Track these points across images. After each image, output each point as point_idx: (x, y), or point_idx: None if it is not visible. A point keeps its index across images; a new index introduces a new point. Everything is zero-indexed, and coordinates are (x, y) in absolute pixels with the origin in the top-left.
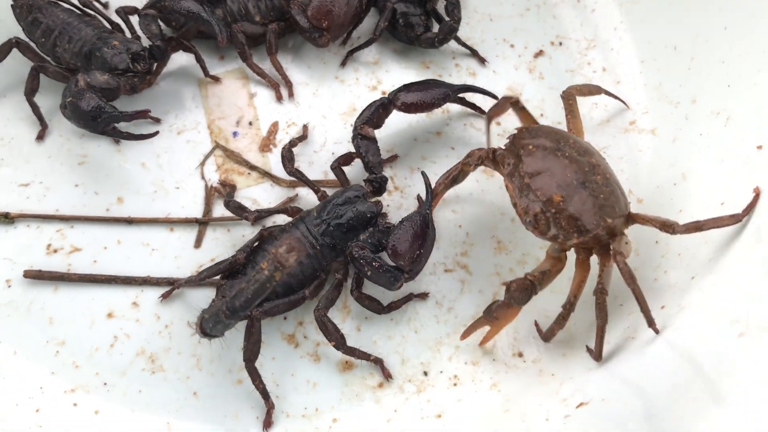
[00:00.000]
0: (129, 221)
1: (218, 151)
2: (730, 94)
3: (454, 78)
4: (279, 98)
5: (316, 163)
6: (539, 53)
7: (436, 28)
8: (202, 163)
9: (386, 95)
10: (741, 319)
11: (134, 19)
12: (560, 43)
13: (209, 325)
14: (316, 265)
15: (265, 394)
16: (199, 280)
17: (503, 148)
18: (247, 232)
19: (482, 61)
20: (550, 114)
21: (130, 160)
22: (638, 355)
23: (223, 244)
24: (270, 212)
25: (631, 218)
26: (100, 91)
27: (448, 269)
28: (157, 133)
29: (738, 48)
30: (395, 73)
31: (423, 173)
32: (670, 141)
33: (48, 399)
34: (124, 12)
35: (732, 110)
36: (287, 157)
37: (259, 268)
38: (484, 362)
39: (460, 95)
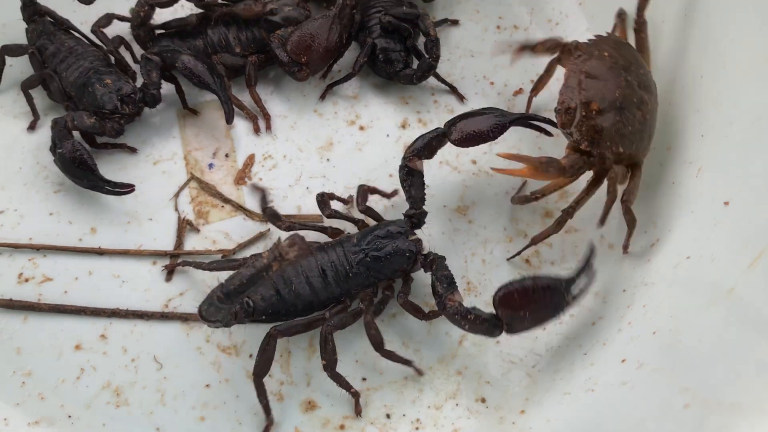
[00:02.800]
0: (100, 252)
1: (193, 183)
2: (703, 144)
3: (432, 115)
4: (257, 131)
5: (290, 197)
6: (518, 91)
7: (416, 64)
8: (177, 195)
9: (442, 126)
10: (690, 388)
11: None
12: None
13: (204, 308)
14: (344, 289)
15: (267, 410)
16: (208, 269)
17: (587, 41)
18: None
19: (461, 98)
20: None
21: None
22: (598, 407)
23: (193, 277)
24: (305, 227)
25: (637, 166)
26: (85, 134)
27: None
28: (132, 189)
29: (712, 97)
30: (374, 108)
31: (590, 243)
32: (643, 187)
33: (11, 431)
34: (120, 41)
35: (704, 161)
36: (323, 202)
37: (258, 255)
38: (446, 407)
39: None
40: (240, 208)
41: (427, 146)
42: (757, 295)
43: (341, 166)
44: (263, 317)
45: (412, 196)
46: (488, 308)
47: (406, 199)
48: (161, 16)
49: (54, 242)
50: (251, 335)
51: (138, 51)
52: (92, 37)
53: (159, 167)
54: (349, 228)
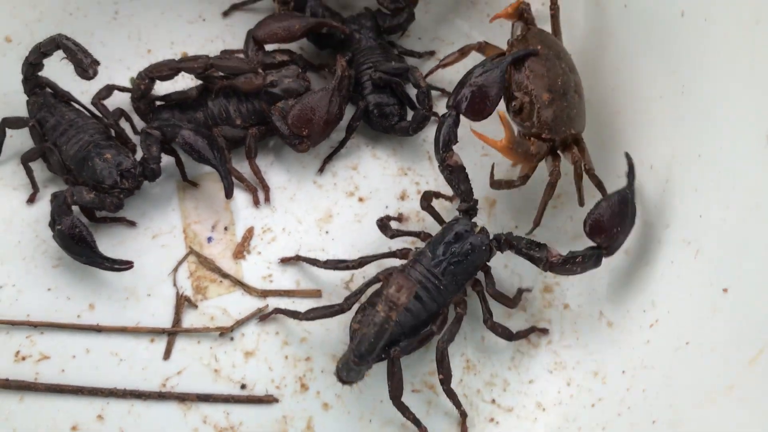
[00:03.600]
0: (99, 329)
1: (192, 257)
2: (701, 225)
3: (432, 186)
4: (256, 203)
5: (288, 271)
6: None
7: (410, 115)
8: (175, 270)
9: (447, 110)
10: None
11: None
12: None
13: (344, 374)
14: (440, 301)
15: (417, 422)
16: (305, 318)
17: (516, 40)
18: (215, 344)
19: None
20: (526, 222)
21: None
22: None
23: (192, 355)
24: (376, 257)
25: (581, 140)
26: (85, 208)
27: (415, 389)
28: (131, 265)
29: (710, 178)
30: (373, 179)
31: (626, 154)
32: (642, 264)
33: None
34: (120, 113)
35: (702, 243)
36: (383, 226)
37: (375, 311)
38: None
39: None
40: (238, 283)
41: (450, 134)
42: (759, 397)
43: (340, 238)
44: (382, 355)
45: (461, 190)
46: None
47: (456, 195)
48: (162, 87)
49: (52, 319)
50: (249, 416)
51: (138, 122)
52: (93, 108)
53: (158, 241)
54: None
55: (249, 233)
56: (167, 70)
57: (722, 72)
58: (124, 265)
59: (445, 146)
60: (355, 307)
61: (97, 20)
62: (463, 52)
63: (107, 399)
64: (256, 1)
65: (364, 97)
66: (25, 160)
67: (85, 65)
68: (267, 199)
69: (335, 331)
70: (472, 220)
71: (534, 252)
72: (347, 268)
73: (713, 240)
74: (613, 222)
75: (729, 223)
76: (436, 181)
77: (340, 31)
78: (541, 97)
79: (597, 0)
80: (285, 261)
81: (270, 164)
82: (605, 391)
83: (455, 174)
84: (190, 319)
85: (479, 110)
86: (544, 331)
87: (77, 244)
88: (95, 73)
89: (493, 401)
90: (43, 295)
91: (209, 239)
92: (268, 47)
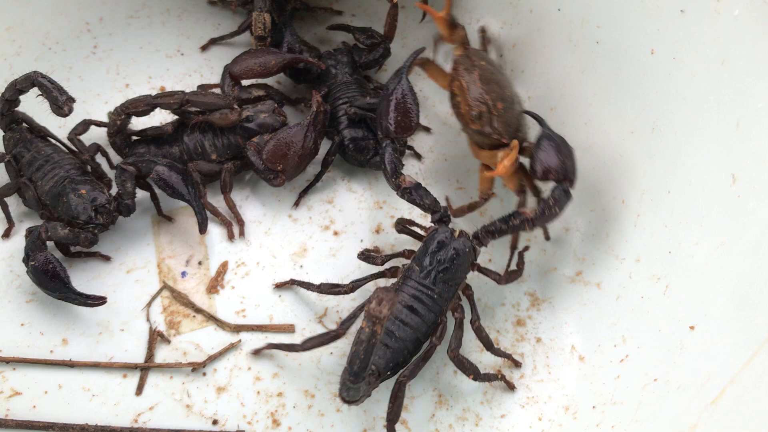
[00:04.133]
0: (71, 365)
1: (165, 292)
2: (670, 261)
3: (401, 202)
4: (231, 237)
5: (262, 306)
6: (489, 196)
7: None
8: (149, 305)
9: (381, 141)
10: None
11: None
12: None
13: (344, 394)
14: (437, 311)
15: None
16: (302, 349)
17: (462, 58)
18: (188, 379)
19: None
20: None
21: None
22: None
23: (164, 390)
24: (367, 279)
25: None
26: (59, 244)
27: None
28: (104, 301)
29: (679, 214)
30: (348, 213)
31: (528, 112)
32: (613, 298)
33: None
34: (96, 148)
35: (671, 279)
36: (369, 257)
37: (360, 328)
38: None
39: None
40: (211, 318)
41: (394, 161)
42: None
43: (314, 272)
44: (389, 372)
45: (428, 204)
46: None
47: (424, 211)
48: (138, 122)
49: (25, 354)
50: None
51: (114, 157)
52: (69, 143)
53: (132, 275)
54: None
55: (223, 268)
56: (143, 105)
57: (691, 111)
58: (98, 301)
59: (394, 174)
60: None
61: (76, 54)
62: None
63: None
64: (235, 35)
65: (339, 132)
66: (1, 195)
67: (61, 102)
68: (242, 234)
69: (307, 367)
70: (449, 226)
71: (513, 222)
72: (339, 292)
73: (682, 276)
74: (555, 157)
75: (697, 260)
76: (411, 214)
77: (316, 66)
78: (497, 106)
79: (569, 36)
80: (279, 285)
81: (245, 198)
82: (576, 427)
83: (415, 193)
84: (162, 354)
85: (407, 125)
86: (517, 364)
87: (51, 280)
88: (70, 110)
89: None
90: (16, 330)
91: (183, 274)
92: (245, 82)
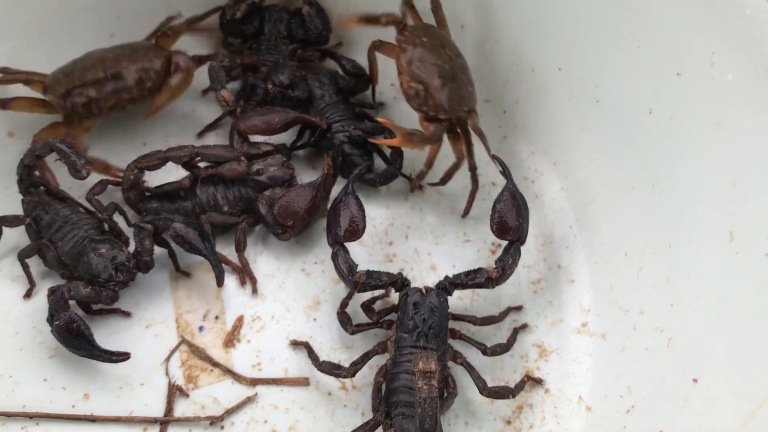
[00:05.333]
0: (92, 419)
1: (183, 347)
2: (673, 313)
3: (416, 272)
4: (243, 284)
5: (277, 359)
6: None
7: None
8: (167, 359)
9: (332, 247)
10: None
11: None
12: None
13: None
14: (443, 366)
15: None
16: (320, 368)
17: (403, 36)
18: None
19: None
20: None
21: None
22: None
23: None
24: (367, 357)
25: (474, 111)
26: (81, 303)
27: None
28: (128, 356)
29: (680, 268)
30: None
31: (494, 157)
32: (619, 350)
33: None
34: (114, 207)
35: (674, 331)
36: (368, 309)
37: (418, 389)
38: None
39: None
40: (228, 371)
41: (347, 263)
42: None
43: (327, 325)
44: None
45: (385, 282)
46: None
47: (385, 288)
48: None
49: (47, 409)
50: None
51: (131, 214)
52: (87, 204)
53: (151, 330)
54: None
55: (239, 322)
56: (155, 160)
57: (688, 169)
58: (122, 357)
59: (350, 272)
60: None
61: None
62: (373, 62)
63: None
64: (222, 119)
65: (337, 147)
66: (22, 256)
67: (78, 166)
68: (254, 291)
69: (322, 420)
70: (412, 287)
71: (477, 279)
72: (340, 375)
73: (685, 329)
74: (515, 219)
75: (699, 313)
76: (419, 266)
77: (317, 125)
78: (434, 83)
79: (570, 94)
80: (295, 343)
81: (260, 253)
82: None
83: (372, 279)
84: (181, 408)
85: (355, 232)
86: (539, 381)
87: (76, 339)
88: (88, 173)
89: None
90: (39, 385)
91: (200, 328)
92: (254, 138)
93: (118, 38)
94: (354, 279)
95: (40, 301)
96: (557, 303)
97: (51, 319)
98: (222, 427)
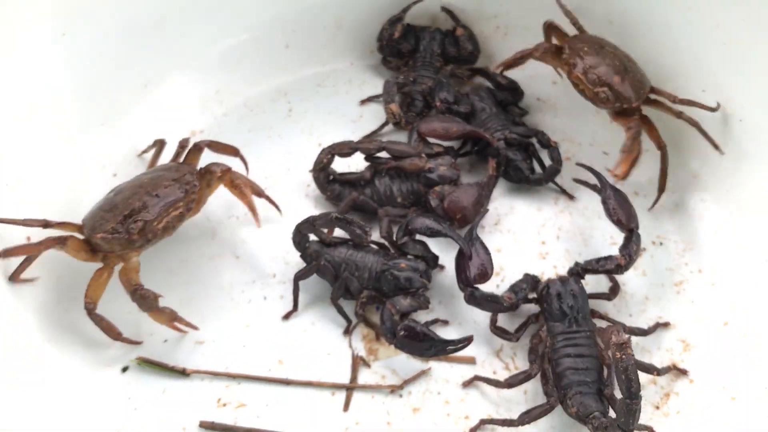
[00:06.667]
0: (287, 382)
1: (361, 325)
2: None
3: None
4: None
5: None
6: (642, 250)
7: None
8: (350, 332)
9: (463, 291)
10: None
11: None
12: (660, 243)
13: (630, 421)
14: (594, 344)
15: None
16: (507, 386)
17: (566, 53)
18: (387, 400)
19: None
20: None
21: (293, 329)
22: None
23: (367, 408)
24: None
25: (653, 90)
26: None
27: None
28: (472, 339)
29: None
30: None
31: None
32: (763, 345)
33: None
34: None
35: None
36: (502, 333)
37: (615, 360)
38: None
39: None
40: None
41: (488, 301)
42: None
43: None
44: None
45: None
46: None
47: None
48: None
49: (246, 372)
50: None
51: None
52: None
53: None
54: None
55: None
56: (347, 148)
57: None
58: (466, 341)
59: (499, 301)
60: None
61: (275, 116)
62: (522, 57)
63: None
64: (383, 127)
65: (502, 153)
66: (334, 299)
67: (359, 236)
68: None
69: (489, 395)
70: (549, 278)
71: (608, 266)
72: (510, 340)
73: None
74: (627, 208)
75: None
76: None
77: (490, 142)
78: (614, 81)
79: (712, 116)
80: (466, 384)
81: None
82: None
83: (520, 294)
84: (364, 377)
85: (484, 275)
86: (684, 372)
87: (422, 342)
88: (369, 235)
89: None
90: (238, 350)
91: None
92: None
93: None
94: (507, 304)
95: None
96: (699, 303)
97: (392, 334)
98: (401, 396)
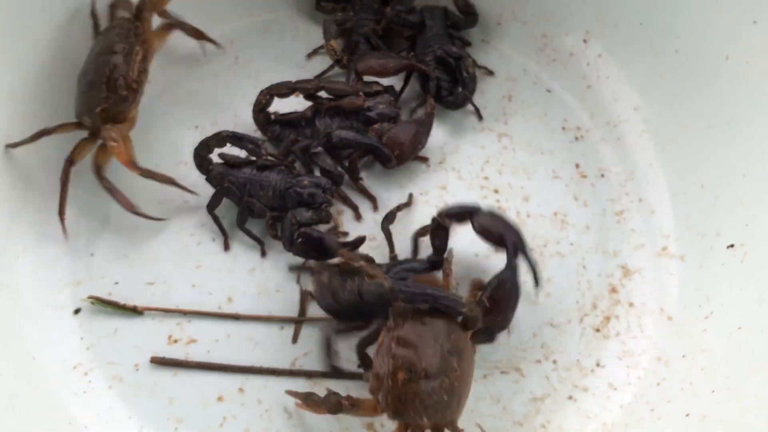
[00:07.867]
0: (237, 317)
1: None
2: (747, 232)
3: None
4: (358, 218)
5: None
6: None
7: None
8: (299, 269)
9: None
10: None
11: None
12: (602, 175)
13: None
14: None
15: None
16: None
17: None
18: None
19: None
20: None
21: (240, 267)
22: None
23: (315, 340)
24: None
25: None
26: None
27: (503, 371)
28: (363, 240)
29: (755, 193)
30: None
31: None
32: (697, 267)
33: None
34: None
35: (748, 246)
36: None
37: None
38: None
39: None
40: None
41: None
42: None
43: None
44: None
45: (436, 246)
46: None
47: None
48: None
49: (198, 308)
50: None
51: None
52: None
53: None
54: None
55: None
56: (285, 89)
57: (764, 104)
58: (359, 241)
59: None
60: None
61: (221, 65)
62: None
63: (246, 375)
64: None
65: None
66: (241, 223)
67: (253, 150)
68: (375, 208)
69: None
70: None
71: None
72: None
73: (758, 244)
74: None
75: None
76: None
77: (429, 75)
78: (396, 375)
79: (651, 46)
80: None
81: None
82: (668, 372)
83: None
84: (312, 311)
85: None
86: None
87: (318, 246)
88: (266, 151)
89: (573, 385)
90: (188, 290)
91: None
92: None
93: None
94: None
95: (191, 220)
96: (639, 230)
97: (290, 243)
98: None
